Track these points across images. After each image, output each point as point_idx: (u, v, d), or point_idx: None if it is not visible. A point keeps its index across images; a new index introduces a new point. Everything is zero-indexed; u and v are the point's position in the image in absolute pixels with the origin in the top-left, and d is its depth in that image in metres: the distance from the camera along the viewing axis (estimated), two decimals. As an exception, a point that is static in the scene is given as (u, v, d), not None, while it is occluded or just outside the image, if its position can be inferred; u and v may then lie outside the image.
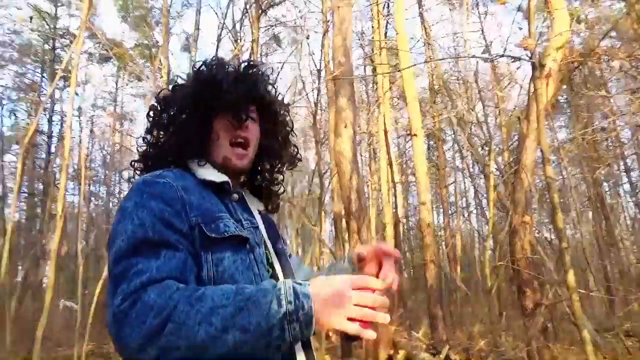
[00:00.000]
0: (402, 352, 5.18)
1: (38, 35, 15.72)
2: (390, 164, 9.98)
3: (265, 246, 1.07)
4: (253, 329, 0.76)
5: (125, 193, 0.97)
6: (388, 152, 9.95)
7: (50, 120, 17.19)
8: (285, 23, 10.16)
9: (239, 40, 10.76)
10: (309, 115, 14.32)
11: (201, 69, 1.13)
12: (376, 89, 12.03)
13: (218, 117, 1.10)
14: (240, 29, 10.07)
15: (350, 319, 0.80)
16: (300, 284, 0.82)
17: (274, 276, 1.03)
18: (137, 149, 1.15)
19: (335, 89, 5.93)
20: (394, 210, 10.37)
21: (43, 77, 16.99)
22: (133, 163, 1.14)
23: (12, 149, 19.06)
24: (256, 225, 1.07)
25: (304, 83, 9.35)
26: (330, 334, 12.36)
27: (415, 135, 7.42)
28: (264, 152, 1.20)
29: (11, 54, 15.97)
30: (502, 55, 5.01)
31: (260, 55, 6.51)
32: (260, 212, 1.17)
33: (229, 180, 1.06)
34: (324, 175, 9.69)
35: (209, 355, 0.77)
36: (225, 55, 7.61)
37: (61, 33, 16.23)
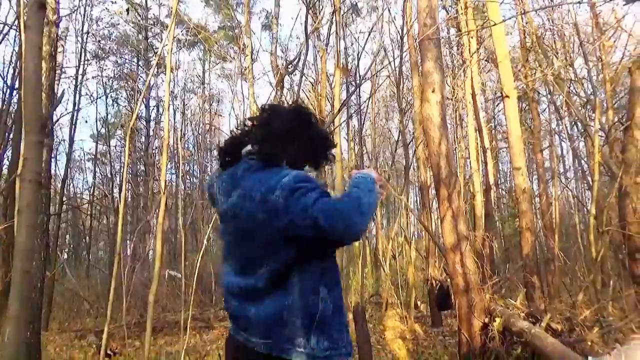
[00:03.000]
0: (498, 320, 5.03)
1: (132, 26, 16.83)
2: (479, 129, 9.54)
3: None
4: (371, 193, 1.47)
5: (286, 179, 1.42)
6: (477, 117, 9.50)
7: (147, 106, 18.49)
8: (363, -10, 9.91)
9: (318, 14, 10.73)
10: (390, 85, 14.04)
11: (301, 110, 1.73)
12: (461, 52, 11.46)
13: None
14: (319, 2, 10.03)
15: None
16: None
17: None
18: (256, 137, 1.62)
19: (421, 53, 5.74)
20: (484, 177, 9.96)
21: (139, 65, 18.25)
22: (248, 152, 1.62)
23: (116, 134, 20.85)
24: None
25: (385, 51, 9.14)
26: (419, 303, 12.35)
27: (507, 96, 6.98)
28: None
29: (110, 45, 17.31)
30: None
31: (342, 26, 6.46)
32: None
33: None
34: (408, 144, 9.52)
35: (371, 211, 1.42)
36: (306, 30, 7.65)
37: (152, 22, 17.25)
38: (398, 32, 9.01)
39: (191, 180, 21.52)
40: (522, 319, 4.74)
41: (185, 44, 16.79)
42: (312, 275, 1.43)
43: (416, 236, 17.31)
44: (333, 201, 1.35)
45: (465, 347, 5.38)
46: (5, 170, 11.26)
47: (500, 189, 16.25)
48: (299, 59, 9.20)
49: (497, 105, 15.27)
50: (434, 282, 8.97)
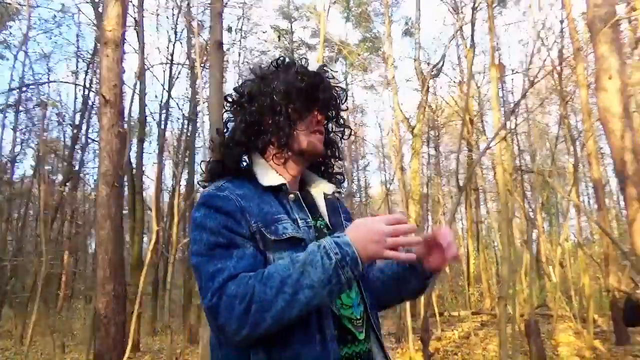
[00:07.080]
0: None
1: (280, 51, 18.19)
2: (668, 115, 8.16)
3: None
4: (317, 284, 0.95)
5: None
6: (663, 101, 8.15)
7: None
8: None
9: (459, 12, 10.37)
10: (546, 76, 12.85)
11: (290, 65, 1.25)
12: (635, 27, 10.00)
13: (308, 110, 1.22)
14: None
15: (390, 249, 0.98)
16: (339, 236, 1.00)
17: None
18: (212, 147, 1.26)
19: (592, 36, 5.15)
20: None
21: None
22: (206, 164, 1.26)
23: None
24: (310, 224, 1.17)
25: (542, 40, 8.40)
26: (596, 317, 10.88)
27: None
28: (327, 142, 1.31)
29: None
30: None
31: (490, 19, 6.11)
32: (326, 197, 1.28)
33: (286, 182, 1.18)
34: (576, 139, 8.57)
35: (290, 316, 0.96)
36: (448, 28, 7.42)
37: (297, 45, 18.42)
38: (556, 16, 8.22)
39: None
40: None
41: (331, 60, 17.52)
42: None
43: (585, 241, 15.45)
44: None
45: (671, 370, 4.61)
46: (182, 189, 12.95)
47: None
48: (443, 62, 8.98)
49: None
50: (616, 293, 7.87)
